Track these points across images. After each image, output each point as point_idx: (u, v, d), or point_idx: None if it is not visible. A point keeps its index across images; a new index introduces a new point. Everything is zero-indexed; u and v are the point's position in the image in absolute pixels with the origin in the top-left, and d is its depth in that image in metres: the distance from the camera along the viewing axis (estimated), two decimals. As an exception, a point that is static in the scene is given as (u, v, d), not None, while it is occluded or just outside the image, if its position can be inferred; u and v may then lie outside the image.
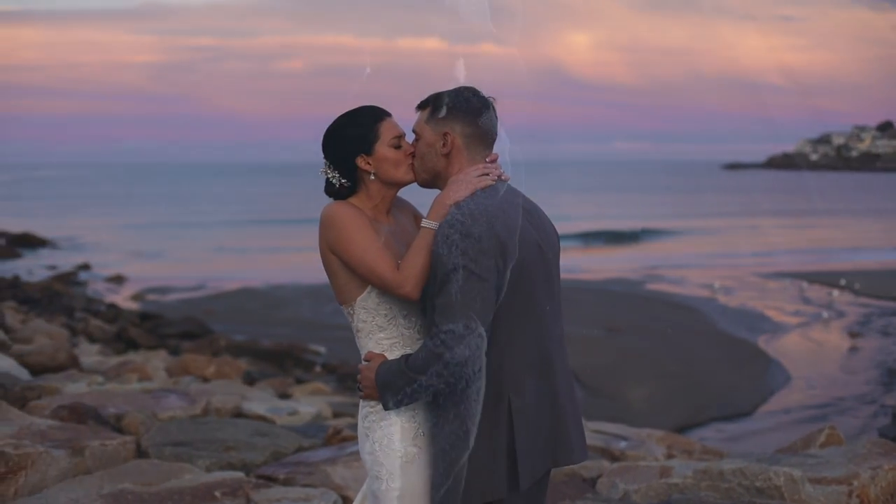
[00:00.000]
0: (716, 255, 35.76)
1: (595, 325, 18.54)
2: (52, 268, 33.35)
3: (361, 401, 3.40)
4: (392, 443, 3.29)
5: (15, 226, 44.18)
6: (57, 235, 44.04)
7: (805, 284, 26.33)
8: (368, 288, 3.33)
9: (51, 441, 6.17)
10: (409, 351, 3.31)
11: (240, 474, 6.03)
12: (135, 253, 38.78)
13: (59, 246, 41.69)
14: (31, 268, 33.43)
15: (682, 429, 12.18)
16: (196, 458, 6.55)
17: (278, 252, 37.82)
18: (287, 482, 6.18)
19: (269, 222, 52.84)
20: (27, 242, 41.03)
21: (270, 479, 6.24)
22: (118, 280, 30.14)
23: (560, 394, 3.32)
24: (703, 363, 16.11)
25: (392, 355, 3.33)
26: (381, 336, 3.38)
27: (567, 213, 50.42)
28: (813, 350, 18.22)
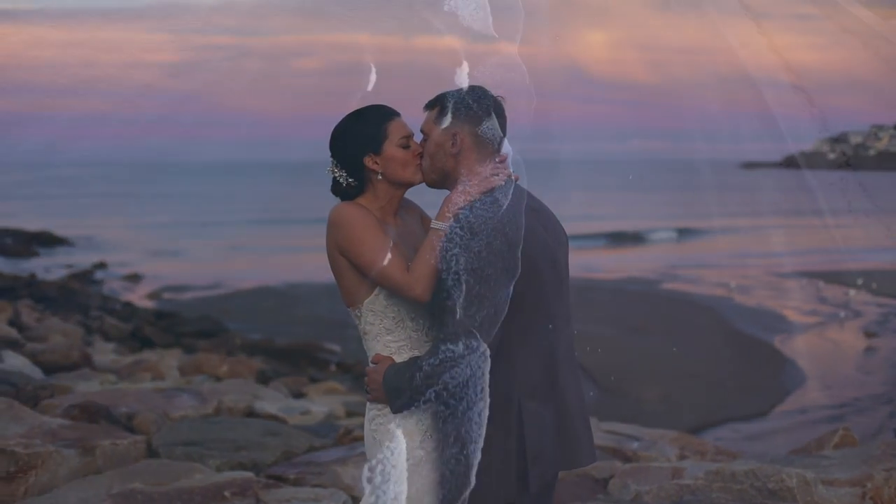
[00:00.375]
0: (732, 254, 35.59)
1: (611, 324, 18.50)
2: (69, 266, 33.40)
3: (368, 403, 3.38)
4: (398, 446, 3.27)
5: (32, 224, 44.22)
6: (73, 234, 44.08)
7: (821, 284, 26.18)
8: (376, 290, 3.31)
9: (61, 440, 6.18)
10: (416, 353, 3.29)
11: (249, 474, 6.02)
12: (151, 251, 38.83)
13: (76, 244, 41.76)
14: (48, 266, 33.50)
15: (697, 429, 12.11)
16: (207, 458, 6.55)
17: (295, 251, 37.79)
18: (297, 482, 6.18)
19: (286, 221, 52.77)
20: (44, 241, 41.12)
21: (280, 479, 6.24)
22: (134, 279, 30.20)
23: (569, 397, 3.30)
24: (719, 363, 16.05)
25: (400, 358, 3.31)
26: (389, 339, 3.35)
27: (582, 212, 50.23)
28: (829, 350, 18.11)
